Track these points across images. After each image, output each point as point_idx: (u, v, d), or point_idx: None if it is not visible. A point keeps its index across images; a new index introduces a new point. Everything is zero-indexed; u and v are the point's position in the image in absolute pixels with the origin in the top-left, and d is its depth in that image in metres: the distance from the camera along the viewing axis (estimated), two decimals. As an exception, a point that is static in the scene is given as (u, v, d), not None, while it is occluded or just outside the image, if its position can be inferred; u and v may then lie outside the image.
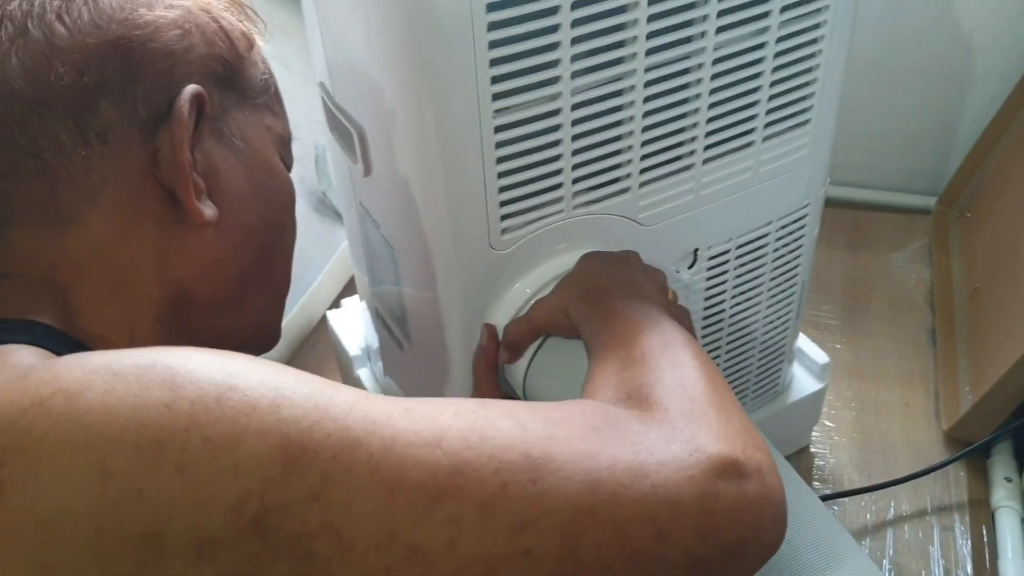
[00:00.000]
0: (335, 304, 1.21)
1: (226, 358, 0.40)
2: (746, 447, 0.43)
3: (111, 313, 0.52)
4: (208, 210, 0.54)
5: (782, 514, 0.43)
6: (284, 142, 0.63)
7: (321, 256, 1.26)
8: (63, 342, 0.49)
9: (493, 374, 0.68)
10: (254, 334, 0.64)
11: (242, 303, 0.60)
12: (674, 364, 0.49)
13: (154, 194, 0.53)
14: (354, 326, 1.04)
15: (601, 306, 0.57)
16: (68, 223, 0.50)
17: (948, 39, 1.28)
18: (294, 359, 1.19)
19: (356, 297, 1.07)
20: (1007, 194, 1.21)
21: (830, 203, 0.85)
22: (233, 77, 0.57)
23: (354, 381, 1.02)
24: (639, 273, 0.63)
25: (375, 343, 0.95)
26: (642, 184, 0.68)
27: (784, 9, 0.66)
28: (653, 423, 0.44)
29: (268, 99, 0.61)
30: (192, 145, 0.53)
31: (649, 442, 0.42)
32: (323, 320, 1.17)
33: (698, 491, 0.40)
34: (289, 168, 0.64)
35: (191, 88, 0.53)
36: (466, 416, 0.41)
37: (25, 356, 0.43)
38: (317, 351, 1.21)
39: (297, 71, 1.35)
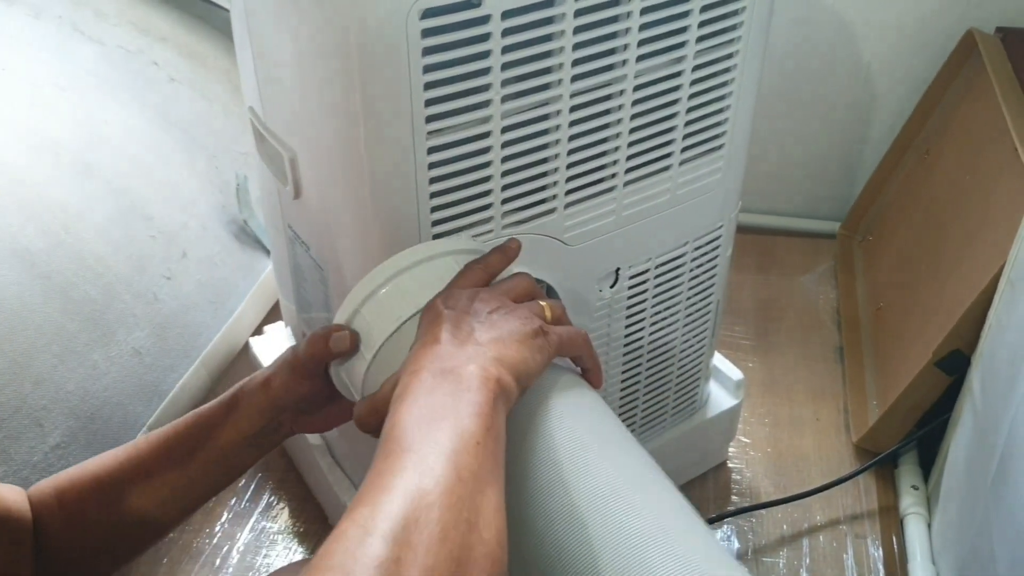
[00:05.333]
0: (258, 331, 1.21)
1: None
2: None
3: None
4: None
5: None
6: None
7: (243, 284, 1.25)
8: None
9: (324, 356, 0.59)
10: None
11: None
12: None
13: None
14: (277, 352, 1.04)
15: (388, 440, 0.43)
16: None
17: (848, 73, 1.35)
18: (217, 387, 1.18)
19: (280, 323, 1.07)
20: (905, 218, 1.27)
21: (740, 229, 0.89)
22: None
23: (279, 408, 1.02)
24: (478, 331, 0.50)
25: (301, 369, 0.95)
26: (567, 205, 0.70)
27: (699, 40, 0.69)
28: None
29: None
30: None
31: None
32: (246, 347, 1.17)
33: None
34: None
35: None
36: None
37: None
38: (238, 379, 1.19)
39: (218, 101, 1.35)
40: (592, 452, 0.49)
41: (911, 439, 1.02)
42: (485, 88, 0.60)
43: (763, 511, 0.99)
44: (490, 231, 0.67)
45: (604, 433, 0.51)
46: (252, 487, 1.04)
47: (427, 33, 0.56)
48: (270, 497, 1.04)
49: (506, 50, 0.60)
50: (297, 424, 0.64)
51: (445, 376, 0.45)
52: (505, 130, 0.63)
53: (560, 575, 0.45)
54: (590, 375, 0.56)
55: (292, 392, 0.62)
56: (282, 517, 1.01)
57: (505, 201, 0.67)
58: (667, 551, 0.43)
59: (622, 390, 0.88)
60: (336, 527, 0.37)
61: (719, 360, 1.02)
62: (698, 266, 0.85)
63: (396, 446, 0.41)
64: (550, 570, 0.45)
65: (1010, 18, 1.25)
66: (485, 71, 0.60)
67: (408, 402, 0.44)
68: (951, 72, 1.27)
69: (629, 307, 0.82)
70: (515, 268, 0.70)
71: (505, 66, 0.60)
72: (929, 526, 0.96)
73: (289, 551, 0.97)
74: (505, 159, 0.64)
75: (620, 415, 0.89)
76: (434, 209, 0.63)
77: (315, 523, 1.00)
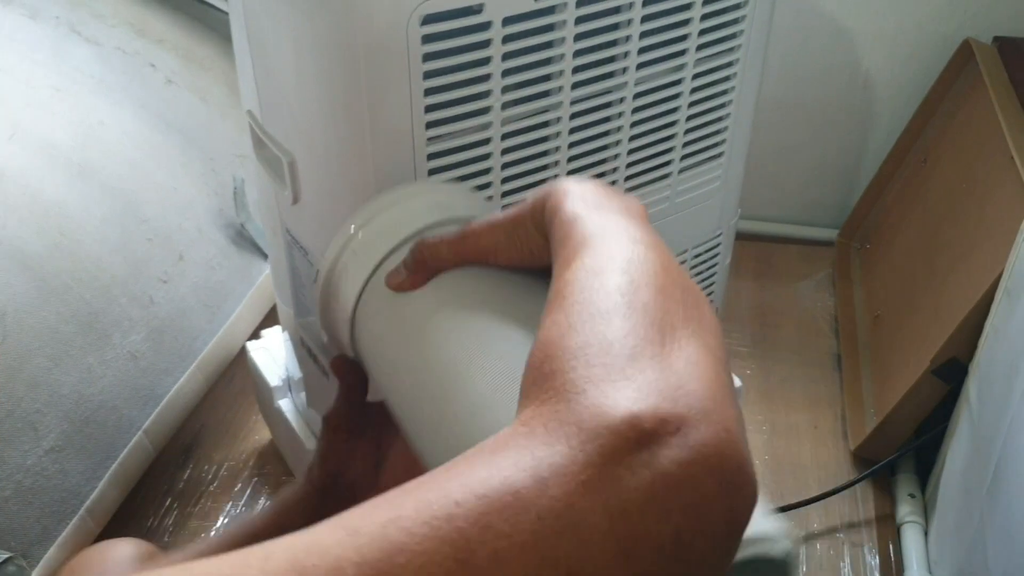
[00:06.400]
0: (255, 335, 1.20)
1: None
2: (661, 397, 0.31)
3: None
4: None
5: (733, 475, 0.31)
6: None
7: (240, 287, 1.25)
8: None
9: (356, 395, 0.58)
10: None
11: None
12: (602, 302, 0.36)
13: None
14: (275, 357, 1.04)
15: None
16: None
17: (846, 81, 1.35)
18: (212, 392, 1.18)
19: (277, 328, 1.07)
20: (903, 226, 1.27)
21: (739, 236, 0.89)
22: None
23: (275, 412, 1.02)
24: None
25: (297, 374, 0.95)
26: (567, 212, 0.70)
27: (699, 48, 0.69)
28: (543, 415, 0.32)
29: None
30: None
31: (531, 453, 0.31)
32: (242, 351, 1.16)
33: (600, 499, 0.29)
34: None
35: None
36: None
37: None
38: (235, 384, 1.20)
39: (215, 104, 1.34)
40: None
41: (908, 448, 1.02)
42: (485, 95, 0.60)
43: (760, 519, 0.99)
44: (489, 237, 0.67)
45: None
46: (248, 491, 1.04)
47: (428, 39, 0.56)
48: (266, 502, 1.03)
49: (506, 57, 0.60)
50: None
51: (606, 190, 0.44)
52: (505, 137, 0.63)
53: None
54: None
55: (335, 456, 0.58)
56: (277, 522, 1.01)
57: (505, 207, 0.66)
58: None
59: (620, 397, 0.87)
60: (560, 278, 0.37)
61: (716, 367, 1.01)
62: (697, 273, 0.85)
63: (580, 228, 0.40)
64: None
65: (1007, 28, 1.25)
66: (485, 78, 0.60)
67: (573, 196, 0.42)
68: (948, 81, 1.27)
69: (627, 314, 0.82)
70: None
71: (505, 73, 0.60)
72: (926, 534, 0.96)
73: (284, 556, 0.97)
74: (505, 166, 0.64)
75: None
76: (433, 215, 0.63)
77: (310, 528, 1.00)
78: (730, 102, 0.75)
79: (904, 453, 1.03)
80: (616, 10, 0.63)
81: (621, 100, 0.67)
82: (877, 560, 0.95)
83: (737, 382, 1.00)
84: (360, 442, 0.59)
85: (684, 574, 0.30)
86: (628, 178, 0.72)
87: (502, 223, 0.46)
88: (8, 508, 0.88)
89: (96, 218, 1.08)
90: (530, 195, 0.45)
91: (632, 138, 0.70)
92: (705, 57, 0.70)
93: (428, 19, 0.55)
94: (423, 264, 0.49)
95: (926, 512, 0.98)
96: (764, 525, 0.36)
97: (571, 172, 0.68)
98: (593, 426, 0.30)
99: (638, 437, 0.30)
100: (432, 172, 0.61)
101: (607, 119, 0.68)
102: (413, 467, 0.58)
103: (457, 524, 0.29)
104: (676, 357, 0.33)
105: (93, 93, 1.21)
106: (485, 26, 0.58)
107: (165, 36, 1.38)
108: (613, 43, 0.65)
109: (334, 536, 0.29)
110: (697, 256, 0.83)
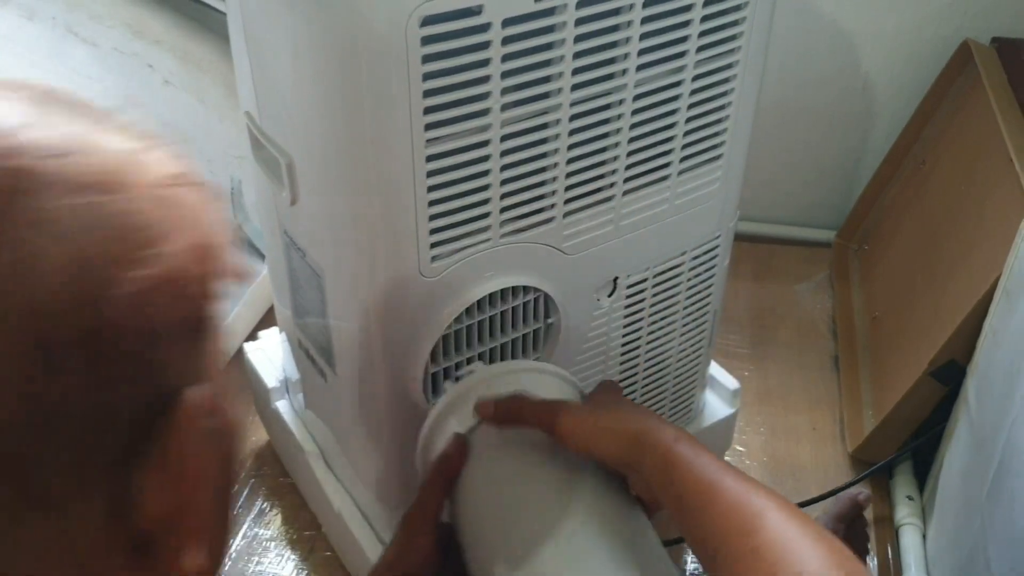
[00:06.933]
0: (252, 336, 1.20)
1: None
2: None
3: None
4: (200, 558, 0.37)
5: None
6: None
7: (237, 288, 1.25)
8: None
9: (444, 491, 0.60)
10: None
11: None
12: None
13: (116, 548, 0.34)
14: (272, 358, 1.03)
15: (697, 466, 0.52)
16: None
17: (845, 83, 1.35)
18: (209, 393, 1.17)
19: (274, 329, 1.07)
20: (902, 227, 1.27)
21: (737, 237, 0.88)
22: (204, 330, 0.37)
23: (271, 413, 1.01)
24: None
25: (294, 375, 0.94)
26: (566, 214, 0.70)
27: (700, 49, 0.69)
28: None
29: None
30: None
31: None
32: (239, 352, 1.16)
33: None
34: None
35: (190, 402, 0.34)
36: None
37: None
38: (232, 385, 1.19)
39: (212, 105, 1.34)
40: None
41: (906, 450, 1.02)
42: (485, 96, 0.60)
43: (758, 521, 0.99)
44: (488, 239, 0.67)
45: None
46: (245, 493, 1.04)
47: (427, 41, 0.56)
48: (263, 503, 1.03)
49: (506, 58, 0.59)
50: None
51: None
52: (504, 138, 0.63)
53: None
54: None
55: (413, 555, 0.58)
56: (275, 524, 1.01)
57: (504, 209, 0.66)
58: None
59: (618, 399, 0.87)
60: (740, 551, 0.47)
61: (715, 369, 1.01)
62: (696, 275, 0.85)
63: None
64: None
65: (1006, 29, 1.25)
66: (485, 79, 0.59)
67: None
68: (947, 82, 1.27)
69: (627, 316, 0.82)
70: (512, 278, 0.70)
71: (505, 74, 0.60)
72: (924, 537, 0.96)
73: (282, 558, 0.96)
74: (504, 167, 0.64)
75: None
76: (432, 217, 0.63)
77: (308, 530, 0.99)
78: (730, 104, 0.75)
79: (902, 455, 1.03)
80: (616, 11, 0.63)
81: (621, 101, 0.67)
82: (875, 562, 0.95)
83: (735, 383, 1.00)
84: (438, 550, 0.59)
85: None
86: (627, 179, 0.72)
87: (593, 427, 0.55)
88: (5, 510, 0.88)
89: (93, 219, 1.07)
90: (620, 422, 0.56)
91: (632, 139, 0.70)
92: (705, 59, 0.70)
93: (427, 20, 0.55)
94: (509, 412, 0.59)
95: (924, 514, 0.98)
96: None
97: (570, 173, 0.68)
98: None
99: None
100: (431, 173, 0.61)
101: (607, 120, 0.68)
102: None
103: None
104: None
105: (90, 94, 1.20)
106: (485, 27, 0.57)
107: (163, 37, 1.37)
108: (613, 44, 0.64)
109: None
110: (696, 258, 0.83)
